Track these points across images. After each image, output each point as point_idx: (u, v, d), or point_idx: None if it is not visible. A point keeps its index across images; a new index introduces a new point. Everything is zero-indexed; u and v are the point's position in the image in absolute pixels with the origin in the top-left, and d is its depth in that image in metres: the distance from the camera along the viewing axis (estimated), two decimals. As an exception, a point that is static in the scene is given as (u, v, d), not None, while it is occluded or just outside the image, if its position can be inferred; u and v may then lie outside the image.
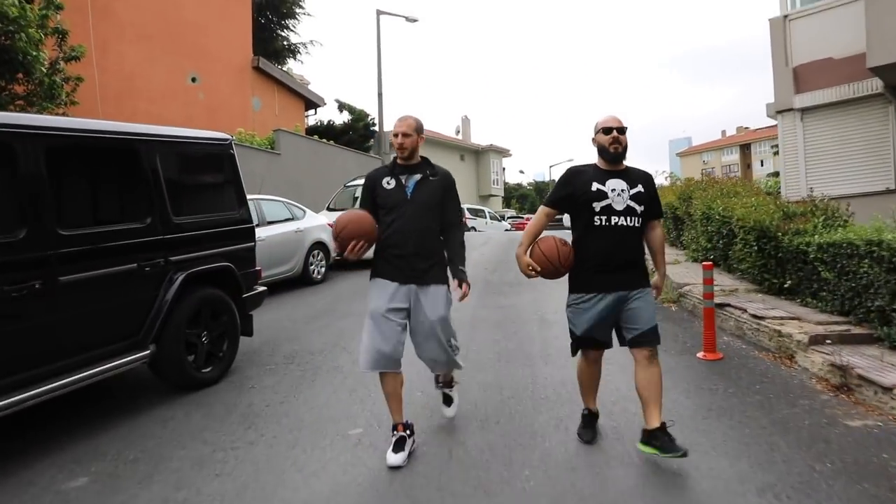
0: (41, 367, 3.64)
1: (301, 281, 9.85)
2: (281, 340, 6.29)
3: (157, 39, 15.89)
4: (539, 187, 66.37)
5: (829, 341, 4.91)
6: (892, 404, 3.90)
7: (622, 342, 3.40)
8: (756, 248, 6.58)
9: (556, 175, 67.82)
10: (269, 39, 23.97)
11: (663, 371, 3.40)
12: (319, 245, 10.16)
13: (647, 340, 3.29)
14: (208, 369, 4.86)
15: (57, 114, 11.25)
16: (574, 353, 3.54)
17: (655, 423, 3.22)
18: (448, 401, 3.98)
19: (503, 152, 51.62)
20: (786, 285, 6.24)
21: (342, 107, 26.65)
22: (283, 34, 25.29)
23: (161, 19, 16.05)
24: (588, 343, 3.44)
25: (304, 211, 10.34)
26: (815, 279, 5.74)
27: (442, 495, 3.09)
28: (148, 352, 4.33)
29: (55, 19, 10.79)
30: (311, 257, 9.94)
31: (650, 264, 3.61)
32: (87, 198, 4.24)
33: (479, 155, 48.60)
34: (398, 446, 3.44)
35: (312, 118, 24.48)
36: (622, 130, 3.35)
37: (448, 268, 3.60)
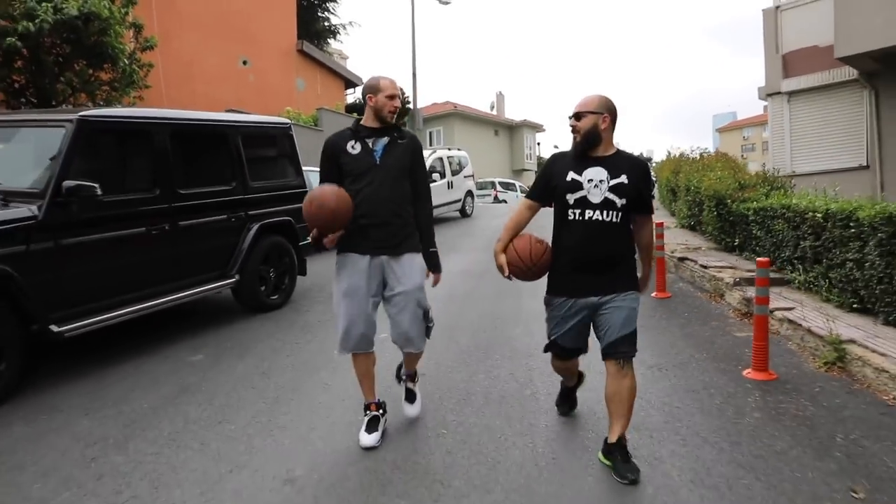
0: (170, 283, 5.33)
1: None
2: (326, 281, 7.94)
3: (212, 27, 17.58)
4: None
5: (738, 282, 6.32)
6: (774, 323, 5.31)
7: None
8: (715, 213, 7.96)
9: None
10: (311, 21, 25.51)
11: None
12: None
13: (616, 352, 2.92)
14: (275, 297, 6.52)
15: (135, 96, 13.12)
16: (545, 350, 3.26)
17: (613, 439, 2.98)
18: (411, 397, 3.64)
19: (537, 127, 52.48)
20: (735, 243, 7.63)
21: (379, 84, 28.14)
22: (323, 16, 26.84)
23: (214, 9, 17.72)
24: (558, 350, 3.18)
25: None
26: (752, 237, 7.11)
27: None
28: (234, 280, 5.99)
29: (131, 15, 12.53)
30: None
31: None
32: (194, 167, 5.86)
33: (512, 130, 49.58)
34: (371, 426, 3.37)
35: (351, 96, 26.07)
36: (578, 116, 2.93)
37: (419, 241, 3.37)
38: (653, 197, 3.14)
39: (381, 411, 3.47)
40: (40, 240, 4.37)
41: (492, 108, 50.88)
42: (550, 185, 3.02)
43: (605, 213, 2.89)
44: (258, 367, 4.74)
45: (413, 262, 3.30)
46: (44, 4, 9.97)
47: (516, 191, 32.16)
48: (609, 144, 2.97)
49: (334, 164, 3.27)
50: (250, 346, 5.27)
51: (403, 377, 3.69)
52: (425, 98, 40.81)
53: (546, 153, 68.97)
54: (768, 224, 6.55)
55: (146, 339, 5.46)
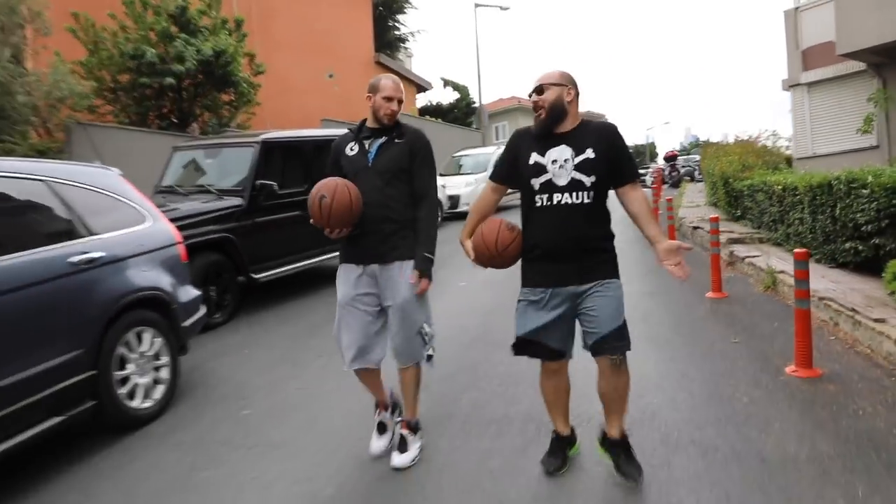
0: (315, 248, 7.81)
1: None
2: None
3: (302, 47, 20.36)
4: (638, 150, 67.61)
5: (728, 242, 8.27)
6: (745, 268, 7.29)
7: (584, 346, 2.79)
8: (724, 190, 9.87)
9: (653, 139, 68.79)
10: (383, 32, 28.15)
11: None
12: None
13: (608, 347, 2.69)
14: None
15: (250, 113, 15.97)
16: (515, 352, 2.87)
17: (615, 434, 2.85)
18: (403, 446, 3.18)
19: (597, 117, 53.66)
20: (737, 214, 9.52)
21: (447, 83, 30.62)
22: (393, 26, 29.43)
23: (303, 31, 20.49)
24: (536, 349, 2.82)
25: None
26: (747, 207, 9.02)
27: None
28: (325, 257, 8.42)
29: (245, 46, 15.33)
30: (428, 209, 13.98)
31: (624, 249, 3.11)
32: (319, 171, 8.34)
33: (574, 121, 50.96)
34: (381, 429, 3.34)
35: (421, 98, 28.59)
36: (540, 89, 2.72)
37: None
38: (634, 160, 2.86)
39: (388, 411, 3.35)
40: (243, 219, 6.90)
41: (554, 99, 52.49)
42: (514, 164, 2.81)
43: (574, 195, 2.65)
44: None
45: (403, 272, 3.04)
46: (189, 48, 12.81)
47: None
48: (574, 118, 2.73)
49: (337, 167, 3.16)
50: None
51: (398, 419, 3.35)
52: (490, 94, 42.82)
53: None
54: (754, 196, 8.47)
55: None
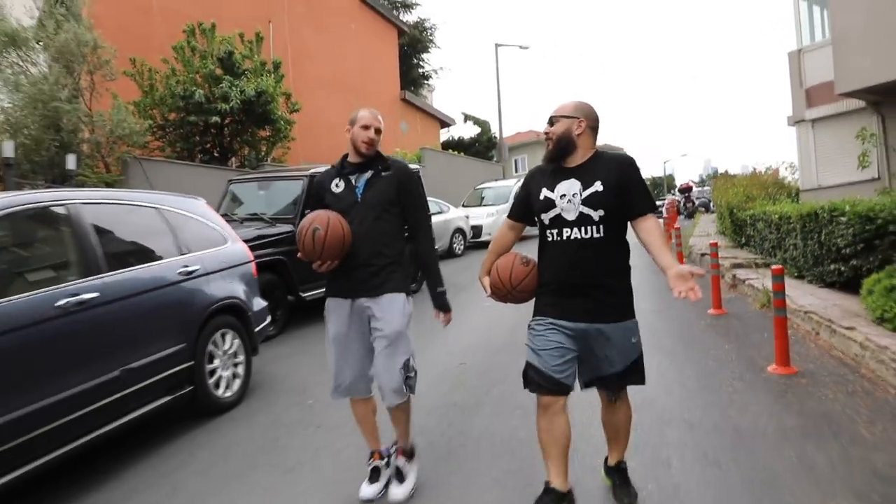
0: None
1: (447, 255, 14.74)
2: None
3: (331, 84, 21.58)
4: (655, 182, 68.36)
5: (731, 266, 8.99)
6: (746, 289, 7.99)
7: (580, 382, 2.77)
8: (730, 219, 10.61)
9: (670, 171, 69.70)
10: (407, 70, 29.49)
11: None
12: (459, 230, 15.04)
13: (604, 387, 2.77)
14: (412, 285, 9.79)
15: (285, 148, 17.07)
16: (525, 383, 2.73)
17: (612, 462, 2.97)
18: (400, 477, 3.22)
19: (616, 150, 54.68)
20: (742, 241, 10.24)
21: (467, 118, 31.79)
22: (417, 64, 30.79)
23: (333, 70, 21.74)
24: (535, 374, 2.65)
25: (449, 207, 15.28)
26: (750, 235, 9.75)
27: None
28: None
29: (282, 86, 16.48)
30: (453, 238, 14.83)
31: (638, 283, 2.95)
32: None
33: (592, 154, 51.92)
34: (373, 477, 3.22)
35: (444, 133, 29.73)
36: (552, 120, 2.73)
37: (406, 278, 3.15)
38: (649, 193, 2.73)
39: (384, 461, 3.26)
40: (293, 243, 7.78)
41: (573, 133, 53.68)
42: (526, 201, 2.83)
43: (582, 229, 2.62)
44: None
45: (392, 305, 3.04)
46: (234, 89, 13.95)
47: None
48: (586, 151, 2.70)
49: (321, 204, 3.15)
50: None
51: (394, 451, 3.32)
52: (510, 128, 43.98)
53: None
54: (756, 225, 9.20)
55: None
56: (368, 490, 3.17)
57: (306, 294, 7.80)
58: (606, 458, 3.03)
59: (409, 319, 3.15)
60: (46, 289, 3.47)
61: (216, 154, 15.76)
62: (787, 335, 4.84)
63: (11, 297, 3.23)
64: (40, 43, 11.88)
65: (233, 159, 16.27)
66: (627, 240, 2.74)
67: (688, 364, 5.17)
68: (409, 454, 3.34)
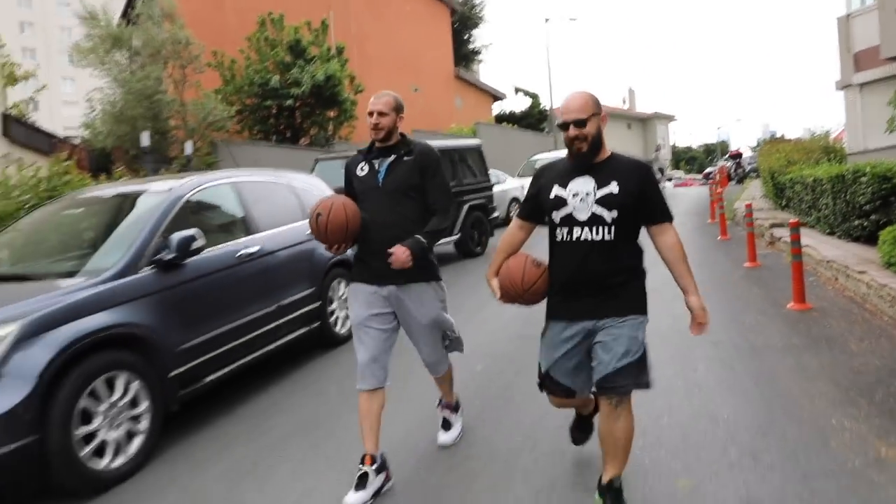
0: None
1: (504, 222, 15.81)
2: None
3: (391, 64, 22.71)
4: (709, 149, 67.44)
5: (770, 226, 9.79)
6: (781, 246, 8.82)
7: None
8: (772, 183, 11.33)
9: (724, 136, 68.48)
10: (459, 45, 30.34)
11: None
12: (515, 199, 16.11)
13: (608, 387, 2.55)
14: (478, 248, 10.93)
15: (351, 127, 18.34)
16: (541, 388, 2.88)
17: (605, 479, 2.66)
18: (446, 425, 3.53)
19: (668, 118, 54.26)
20: (782, 203, 10.98)
21: (518, 90, 32.54)
22: (468, 40, 31.58)
23: (392, 51, 22.85)
24: (550, 384, 2.80)
25: (506, 177, 16.37)
26: (790, 198, 10.49)
27: None
28: (457, 236, 10.42)
29: (347, 69, 17.72)
30: (510, 206, 15.93)
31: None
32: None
33: (645, 123, 51.80)
34: (360, 484, 2.98)
35: (496, 108, 30.61)
36: (580, 122, 2.53)
37: (432, 264, 3.19)
38: (665, 202, 2.69)
39: (374, 466, 3.04)
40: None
41: (624, 102, 53.56)
42: (536, 199, 2.76)
43: (594, 230, 2.56)
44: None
45: (423, 296, 3.12)
46: (305, 74, 15.25)
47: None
48: (605, 149, 2.64)
49: (350, 187, 3.23)
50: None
51: (440, 404, 3.58)
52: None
53: (681, 142, 70.07)
54: (794, 188, 9.95)
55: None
56: (354, 498, 2.94)
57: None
58: (600, 479, 2.71)
59: (444, 303, 3.27)
60: (228, 243, 4.76)
61: (288, 135, 17.17)
62: (802, 277, 5.79)
63: (212, 248, 4.51)
64: (138, 43, 13.40)
65: (303, 139, 17.65)
66: (640, 243, 2.69)
67: (719, 303, 6.15)
68: (455, 408, 3.62)
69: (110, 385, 3.56)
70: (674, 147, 60.65)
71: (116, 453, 3.53)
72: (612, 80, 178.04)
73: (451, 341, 3.37)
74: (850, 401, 3.67)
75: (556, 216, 2.63)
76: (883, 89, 14.02)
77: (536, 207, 2.79)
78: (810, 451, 3.11)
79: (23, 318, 3.27)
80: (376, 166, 3.14)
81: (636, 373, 2.56)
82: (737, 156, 27.27)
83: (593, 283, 2.59)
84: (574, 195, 2.59)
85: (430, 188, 3.16)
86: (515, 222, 2.91)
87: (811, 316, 5.49)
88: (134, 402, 3.68)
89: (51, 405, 3.19)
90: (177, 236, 4.10)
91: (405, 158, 3.13)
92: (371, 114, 3.10)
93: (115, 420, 3.55)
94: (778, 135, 43.68)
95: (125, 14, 20.36)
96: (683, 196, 20.79)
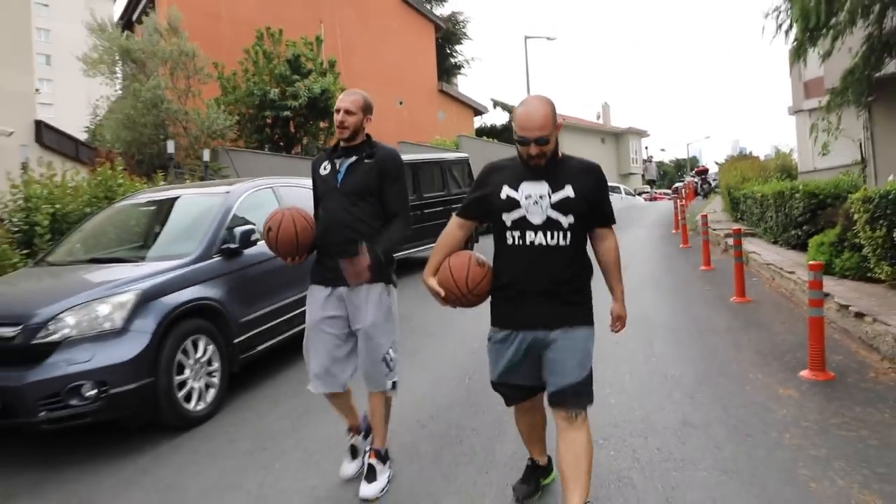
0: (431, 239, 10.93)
1: (486, 231, 16.93)
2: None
3: (376, 78, 23.71)
4: (679, 164, 69.63)
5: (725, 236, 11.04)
6: (733, 252, 10.04)
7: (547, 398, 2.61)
8: (729, 198, 12.63)
9: (694, 152, 70.86)
10: (441, 60, 31.52)
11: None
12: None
13: (563, 401, 2.49)
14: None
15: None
16: (495, 389, 2.77)
17: None
18: (371, 476, 3.09)
19: (641, 133, 56.04)
20: (738, 216, 12.28)
21: (497, 104, 33.79)
22: (450, 54, 32.80)
23: (377, 64, 23.89)
24: (508, 392, 2.72)
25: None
26: (743, 211, 11.78)
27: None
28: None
29: (339, 82, 18.71)
30: (490, 216, 17.06)
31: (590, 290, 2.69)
32: (429, 182, 11.43)
33: (618, 137, 53.35)
34: (353, 453, 3.25)
35: (477, 122, 31.82)
36: (542, 140, 2.42)
37: (384, 268, 3.03)
38: (611, 205, 2.68)
39: (361, 435, 3.24)
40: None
41: (598, 117, 55.18)
42: (484, 200, 2.62)
43: (548, 234, 2.47)
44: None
45: (369, 297, 3.02)
46: (303, 88, 16.22)
47: (620, 193, 36.55)
48: (556, 153, 2.52)
49: (315, 187, 3.20)
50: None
51: (367, 449, 3.25)
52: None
53: (655, 157, 72.35)
54: (746, 202, 11.24)
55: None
56: (349, 468, 3.24)
57: (400, 254, 10.04)
58: None
59: (391, 310, 3.11)
60: (273, 238, 5.75)
61: (281, 144, 18.09)
62: (744, 276, 6.98)
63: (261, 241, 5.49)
64: (145, 55, 14.24)
65: (295, 148, 18.60)
66: (587, 249, 2.66)
67: (677, 299, 7.33)
68: (383, 458, 3.20)
69: (195, 346, 4.53)
70: (645, 162, 62.58)
71: (199, 399, 4.49)
72: (587, 94, 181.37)
73: (392, 363, 3.13)
74: (766, 363, 4.82)
75: (507, 219, 2.53)
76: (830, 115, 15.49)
77: (482, 207, 2.66)
78: (731, 393, 4.23)
79: (137, 289, 4.23)
80: (337, 166, 3.10)
81: (587, 388, 2.54)
82: (703, 172, 28.83)
83: (546, 291, 2.51)
84: (527, 197, 2.50)
85: (388, 194, 3.09)
86: (455, 220, 2.79)
87: (749, 306, 6.67)
88: (209, 361, 4.65)
89: (159, 356, 4.16)
90: (240, 230, 5.09)
91: (366, 161, 3.07)
92: (338, 111, 3.06)
93: (198, 374, 4.52)
94: (747, 151, 45.56)
95: (123, 17, 21.18)
96: (652, 209, 22.27)
